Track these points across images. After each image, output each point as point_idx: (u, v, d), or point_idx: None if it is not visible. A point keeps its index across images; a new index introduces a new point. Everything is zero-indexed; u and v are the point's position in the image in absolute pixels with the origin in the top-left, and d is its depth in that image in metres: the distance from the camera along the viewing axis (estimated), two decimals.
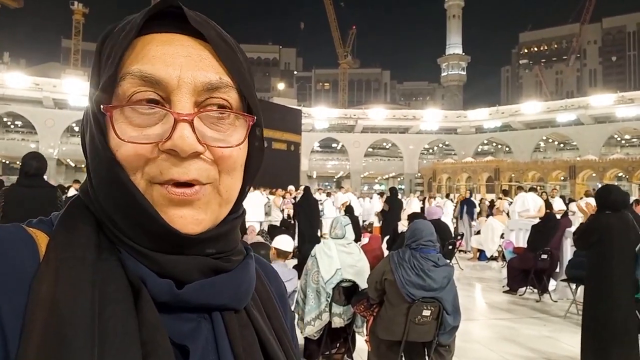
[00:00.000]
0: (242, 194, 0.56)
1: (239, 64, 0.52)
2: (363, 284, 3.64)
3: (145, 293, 0.45)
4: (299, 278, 3.97)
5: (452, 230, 10.37)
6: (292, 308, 3.77)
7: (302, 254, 7.47)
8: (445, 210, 12.27)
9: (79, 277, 0.43)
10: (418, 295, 3.15)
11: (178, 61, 0.47)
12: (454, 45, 69.94)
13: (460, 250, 10.35)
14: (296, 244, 7.87)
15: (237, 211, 0.56)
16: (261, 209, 10.98)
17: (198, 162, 0.48)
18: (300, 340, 3.91)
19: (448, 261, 3.46)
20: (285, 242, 3.73)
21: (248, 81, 0.52)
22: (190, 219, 0.48)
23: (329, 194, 15.13)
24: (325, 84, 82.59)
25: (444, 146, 50.59)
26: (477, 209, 12.55)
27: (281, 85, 66.30)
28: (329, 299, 3.63)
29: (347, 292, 3.72)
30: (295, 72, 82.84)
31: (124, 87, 0.47)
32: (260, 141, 0.56)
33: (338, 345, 3.95)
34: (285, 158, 18.71)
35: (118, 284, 0.45)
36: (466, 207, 11.97)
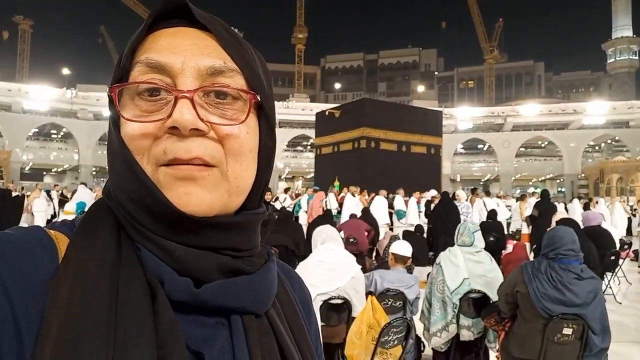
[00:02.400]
0: (258, 189, 0.55)
1: (244, 52, 0.53)
2: (494, 296, 3.36)
3: (162, 294, 0.45)
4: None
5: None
6: (417, 317, 3.65)
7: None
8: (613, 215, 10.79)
9: (97, 278, 0.44)
10: (556, 311, 2.80)
11: (183, 48, 0.49)
12: (622, 28, 60.53)
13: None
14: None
15: (256, 208, 0.56)
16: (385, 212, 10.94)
17: (202, 141, 0.48)
18: (429, 352, 3.77)
19: (594, 274, 3.00)
20: (403, 247, 3.62)
21: (253, 67, 0.53)
22: (195, 196, 0.48)
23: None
24: (469, 82, 78.48)
25: (613, 142, 44.21)
26: None
27: (421, 88, 64.95)
28: (456, 310, 3.43)
29: (476, 304, 3.47)
30: (436, 73, 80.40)
31: (133, 75, 0.50)
32: (270, 128, 0.55)
33: (469, 359, 3.70)
34: (425, 162, 18.23)
35: (136, 285, 0.45)
36: None
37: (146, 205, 0.48)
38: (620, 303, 6.24)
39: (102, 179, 40.61)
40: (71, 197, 10.67)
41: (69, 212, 9.63)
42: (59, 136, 42.77)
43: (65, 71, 53.59)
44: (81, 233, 0.48)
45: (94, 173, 41.63)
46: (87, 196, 10.01)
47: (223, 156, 0.50)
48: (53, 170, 44.31)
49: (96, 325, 0.41)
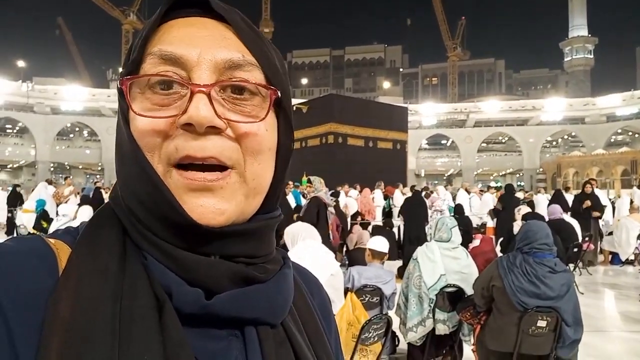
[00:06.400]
0: (276, 190, 0.52)
1: (262, 44, 0.50)
2: (470, 291, 3.41)
3: (170, 308, 0.42)
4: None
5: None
6: (394, 311, 3.66)
7: (406, 256, 7.29)
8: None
9: (99, 292, 0.41)
10: (531, 304, 2.87)
11: (199, 40, 0.46)
12: (578, 27, 62.94)
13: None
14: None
15: (272, 211, 0.52)
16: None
17: (218, 140, 0.45)
18: (404, 345, 3.79)
19: (567, 267, 3.09)
20: (380, 243, 3.62)
21: (272, 61, 0.50)
22: (212, 207, 0.45)
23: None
24: (433, 79, 79.88)
25: (569, 138, 46.06)
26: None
27: (386, 84, 65.67)
28: (432, 305, 3.46)
29: (451, 298, 3.51)
30: (401, 70, 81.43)
31: (145, 68, 0.46)
32: (289, 126, 0.52)
33: (444, 352, 3.75)
34: (391, 157, 18.42)
35: (141, 297, 0.42)
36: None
37: (160, 213, 0.44)
38: (582, 293, 6.49)
39: (60, 175, 39.12)
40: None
41: (28, 211, 9.22)
42: (15, 131, 41.08)
43: (21, 63, 51.16)
44: (83, 242, 0.45)
45: (52, 169, 40.08)
46: (45, 194, 9.60)
47: (241, 156, 0.47)
48: (8, 166, 42.56)
49: (99, 345, 0.38)
